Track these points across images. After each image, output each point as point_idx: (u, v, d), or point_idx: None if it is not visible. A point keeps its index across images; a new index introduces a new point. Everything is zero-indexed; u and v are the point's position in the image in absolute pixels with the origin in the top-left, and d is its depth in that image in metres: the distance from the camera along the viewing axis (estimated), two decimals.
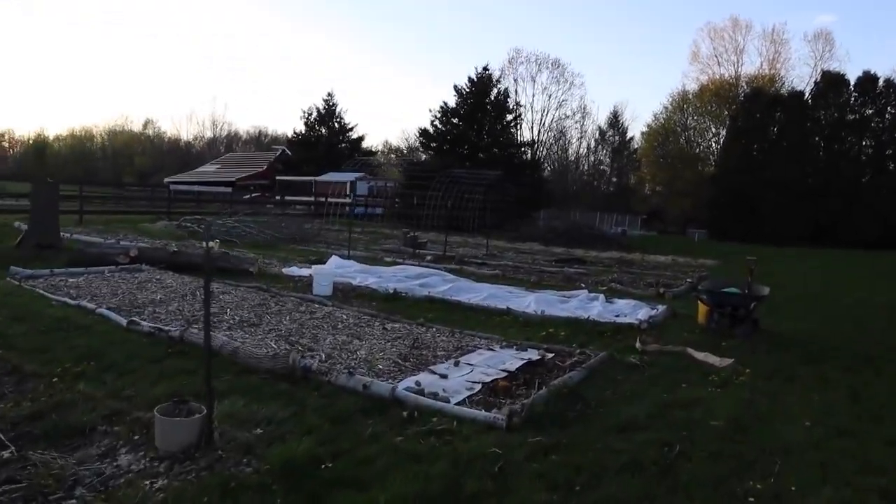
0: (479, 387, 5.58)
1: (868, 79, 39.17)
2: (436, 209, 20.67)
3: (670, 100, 52.90)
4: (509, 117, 30.60)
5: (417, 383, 5.56)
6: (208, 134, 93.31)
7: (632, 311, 9.45)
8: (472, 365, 6.22)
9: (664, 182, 50.80)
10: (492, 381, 5.72)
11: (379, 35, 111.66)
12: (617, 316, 9.19)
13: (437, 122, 30.31)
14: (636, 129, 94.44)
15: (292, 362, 5.86)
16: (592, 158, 54.73)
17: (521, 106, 32.03)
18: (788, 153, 38.37)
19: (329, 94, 44.14)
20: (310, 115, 43.88)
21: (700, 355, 6.86)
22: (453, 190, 19.72)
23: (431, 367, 6.09)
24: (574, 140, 53.40)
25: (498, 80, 30.74)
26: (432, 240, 21.38)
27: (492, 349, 6.87)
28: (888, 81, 39.36)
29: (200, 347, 6.59)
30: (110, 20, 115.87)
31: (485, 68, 30.99)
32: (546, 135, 49.88)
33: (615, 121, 53.97)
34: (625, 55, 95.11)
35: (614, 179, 55.62)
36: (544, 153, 49.91)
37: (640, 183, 55.58)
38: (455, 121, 29.98)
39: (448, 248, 19.06)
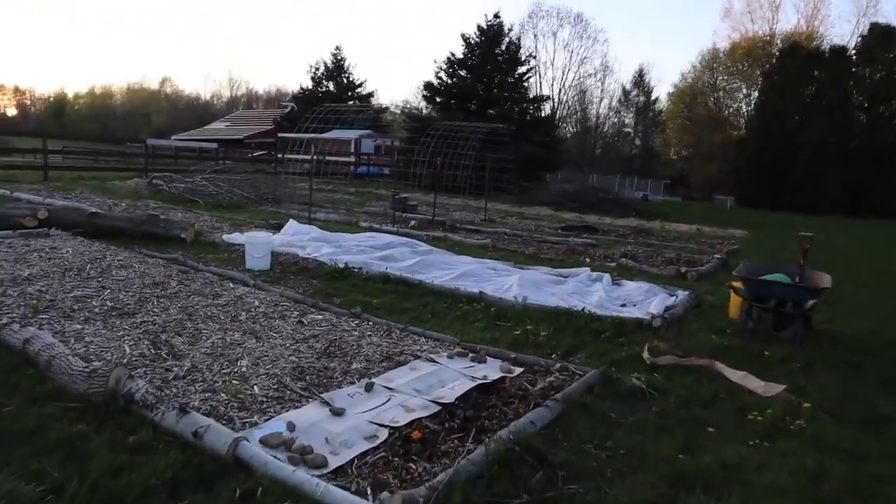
0: (385, 434, 3.52)
1: None
2: (434, 167, 18.42)
3: (699, 58, 49.47)
4: (522, 69, 27.73)
5: (291, 426, 3.52)
6: (225, 92, 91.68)
7: (643, 299, 7.27)
8: (391, 389, 4.15)
9: (690, 145, 47.78)
10: (410, 424, 3.65)
11: None
12: (623, 305, 7.04)
13: (442, 75, 27.68)
14: (662, 91, 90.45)
15: (114, 383, 3.84)
16: (615, 119, 51.67)
17: (534, 57, 29.20)
18: (826, 114, 35.19)
19: (337, 48, 41.57)
20: (317, 69, 41.41)
21: (735, 375, 4.71)
22: (448, 146, 17.43)
23: (328, 394, 4.02)
24: (596, 99, 50.34)
25: (510, 30, 27.89)
26: (430, 202, 19.22)
27: (433, 360, 4.77)
28: None
29: (15, 352, 4.64)
30: None
31: (496, 15, 27.95)
32: (567, 94, 47.03)
33: (640, 80, 50.79)
34: (651, 10, 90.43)
35: (638, 142, 52.60)
36: (565, 113, 47.15)
37: (665, 146, 52.52)
38: (462, 73, 27.19)
39: (444, 212, 16.91)
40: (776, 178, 35.60)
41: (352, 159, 32.09)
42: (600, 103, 51.32)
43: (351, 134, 33.48)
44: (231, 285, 6.80)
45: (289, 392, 4.09)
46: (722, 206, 35.30)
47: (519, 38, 28.85)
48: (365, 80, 43.72)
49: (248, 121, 51.63)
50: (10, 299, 5.74)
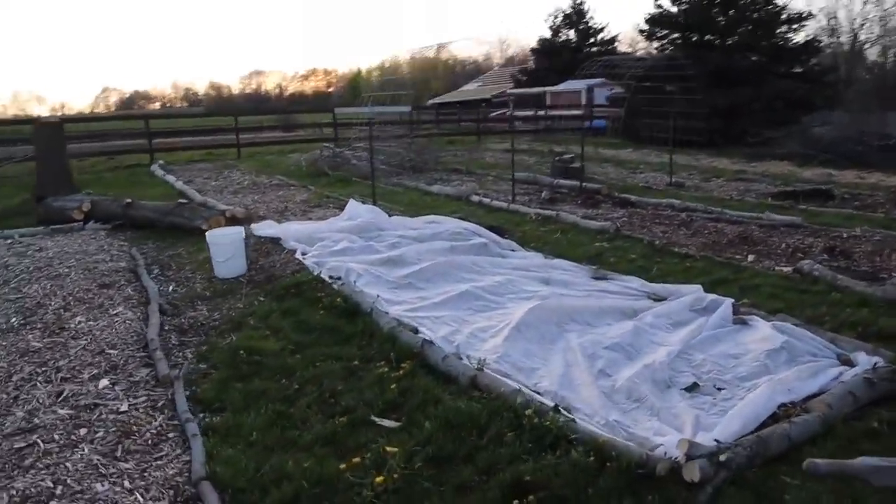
0: None
1: None
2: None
3: None
4: None
5: None
6: (497, 53, 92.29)
7: (754, 372, 3.52)
8: None
9: None
10: None
11: None
12: (692, 386, 3.43)
13: (664, 2, 21.76)
14: None
15: None
16: None
17: None
18: None
19: None
20: (555, 18, 37.78)
21: None
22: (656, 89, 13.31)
23: None
24: None
25: None
26: (644, 161, 15.37)
27: None
28: None
29: None
30: None
31: None
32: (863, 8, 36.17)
33: None
34: None
35: None
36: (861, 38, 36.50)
37: None
38: None
39: (629, 174, 13.10)
40: None
41: (580, 112, 28.46)
42: None
43: (579, 84, 29.74)
44: (114, 312, 4.85)
45: None
46: None
47: None
48: (606, 25, 38.91)
49: (497, 79, 50.31)
50: None
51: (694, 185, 11.51)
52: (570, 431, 2.82)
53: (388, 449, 2.82)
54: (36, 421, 3.26)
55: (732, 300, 4.52)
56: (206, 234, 5.98)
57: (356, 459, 2.78)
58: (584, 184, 10.44)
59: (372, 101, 17.62)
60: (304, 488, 2.62)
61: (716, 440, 2.68)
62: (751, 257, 6.16)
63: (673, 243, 6.76)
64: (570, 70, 33.31)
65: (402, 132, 15.54)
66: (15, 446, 3.02)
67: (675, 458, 2.56)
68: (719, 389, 3.36)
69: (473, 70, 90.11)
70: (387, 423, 3.14)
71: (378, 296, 4.83)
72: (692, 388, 3.37)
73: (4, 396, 3.54)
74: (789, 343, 3.76)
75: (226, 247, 5.87)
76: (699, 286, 4.81)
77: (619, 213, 8.71)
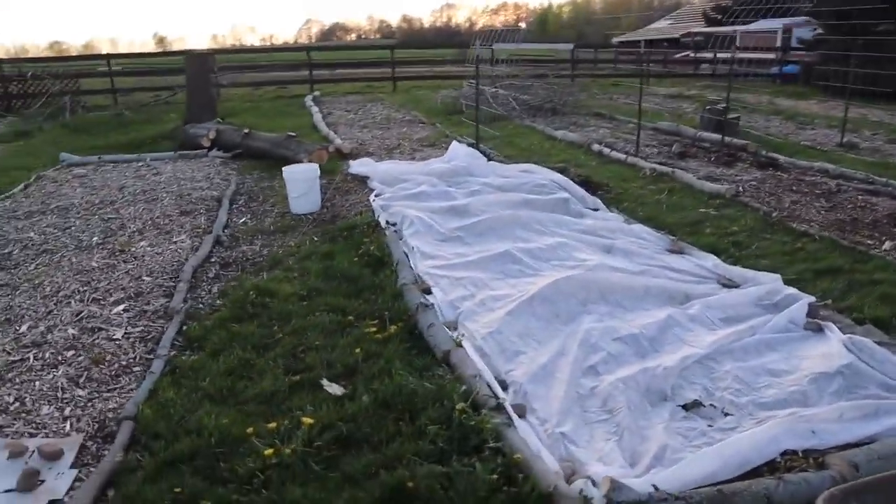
0: None
1: None
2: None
3: None
4: None
5: None
6: None
7: (783, 400, 2.75)
8: None
9: None
10: None
11: None
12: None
13: None
14: None
15: None
16: None
17: None
18: None
19: None
20: None
21: None
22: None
23: None
24: None
25: None
26: (827, 115, 13.19)
27: None
28: None
29: None
30: None
31: None
32: None
33: None
34: None
35: None
36: None
37: None
38: None
39: (797, 130, 11.24)
40: None
41: (772, 56, 24.95)
42: None
43: (776, 23, 25.93)
44: (175, 239, 5.08)
45: None
46: None
47: None
48: None
49: (690, 16, 45.61)
50: None
51: (872, 148, 9.54)
52: (495, 437, 2.40)
53: (305, 420, 2.60)
54: (49, 337, 3.49)
55: (813, 298, 3.62)
56: (283, 169, 6.03)
57: (272, 425, 2.61)
58: (727, 138, 9.08)
59: (480, 38, 16.87)
60: (209, 445, 2.50)
61: (653, 486, 2.10)
62: (887, 244, 4.93)
63: (794, 217, 5.62)
64: (771, 7, 29.20)
65: (545, 72, 14.61)
66: (13, 358, 3.25)
67: (591, 498, 2.05)
68: (726, 415, 2.68)
69: (673, 6, 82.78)
70: (334, 388, 2.92)
71: (413, 248, 4.56)
72: (691, 407, 2.72)
73: (43, 309, 3.83)
74: (853, 367, 2.90)
75: (299, 183, 5.89)
76: (778, 276, 3.90)
77: (753, 175, 7.47)
